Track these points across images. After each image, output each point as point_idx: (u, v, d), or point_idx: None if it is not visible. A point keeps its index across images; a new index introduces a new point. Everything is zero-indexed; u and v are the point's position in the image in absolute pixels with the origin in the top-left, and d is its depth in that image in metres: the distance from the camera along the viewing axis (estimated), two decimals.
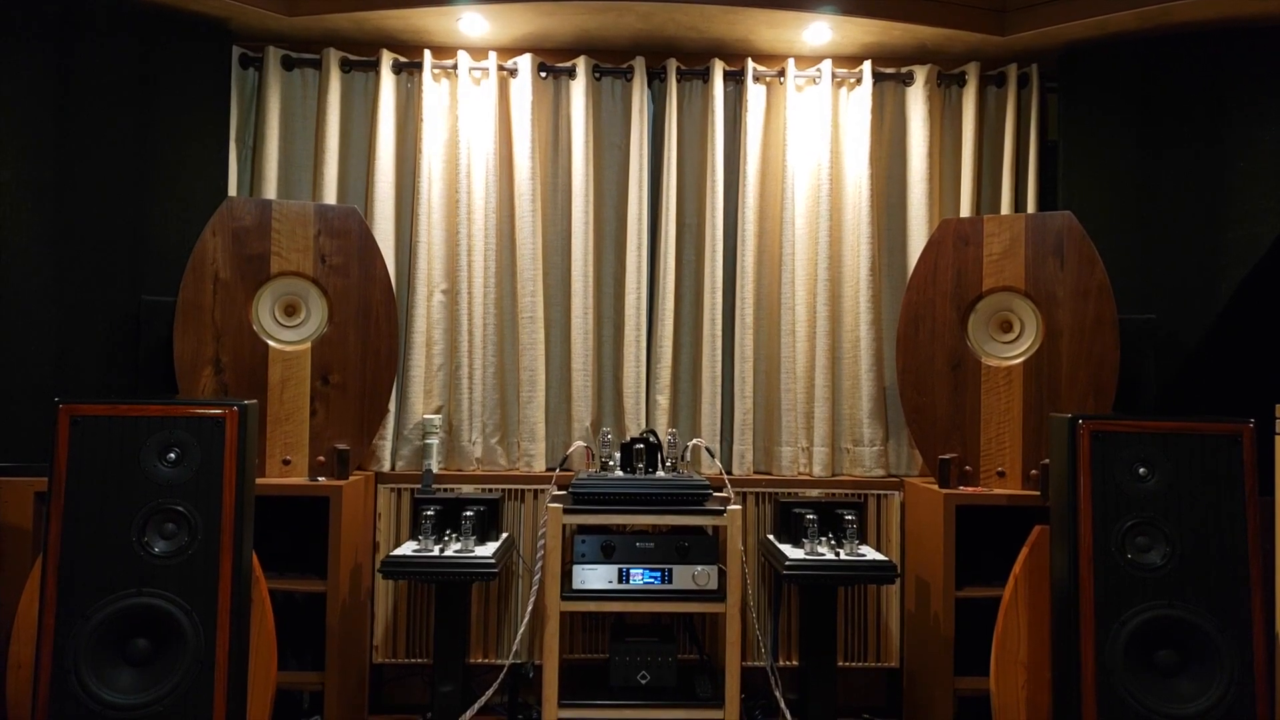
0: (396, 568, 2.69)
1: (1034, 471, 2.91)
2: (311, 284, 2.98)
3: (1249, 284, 2.99)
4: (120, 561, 1.89)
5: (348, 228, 2.99)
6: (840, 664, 3.09)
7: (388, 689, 3.25)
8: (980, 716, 2.77)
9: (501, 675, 2.83)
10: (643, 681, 2.78)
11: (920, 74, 3.33)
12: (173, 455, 1.96)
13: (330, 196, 3.22)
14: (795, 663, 3.17)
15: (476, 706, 2.71)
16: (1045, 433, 2.89)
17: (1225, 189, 3.04)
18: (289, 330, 2.98)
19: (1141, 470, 2.09)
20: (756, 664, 3.08)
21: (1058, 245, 2.95)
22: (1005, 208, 3.28)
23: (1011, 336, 3.02)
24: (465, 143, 3.27)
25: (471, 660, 3.13)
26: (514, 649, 3.03)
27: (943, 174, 3.37)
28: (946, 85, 3.38)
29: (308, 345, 2.97)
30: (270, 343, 2.95)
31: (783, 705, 2.79)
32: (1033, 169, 3.30)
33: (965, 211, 3.30)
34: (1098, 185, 3.17)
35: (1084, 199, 3.16)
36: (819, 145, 3.33)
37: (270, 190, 3.20)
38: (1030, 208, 3.29)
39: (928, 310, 3.04)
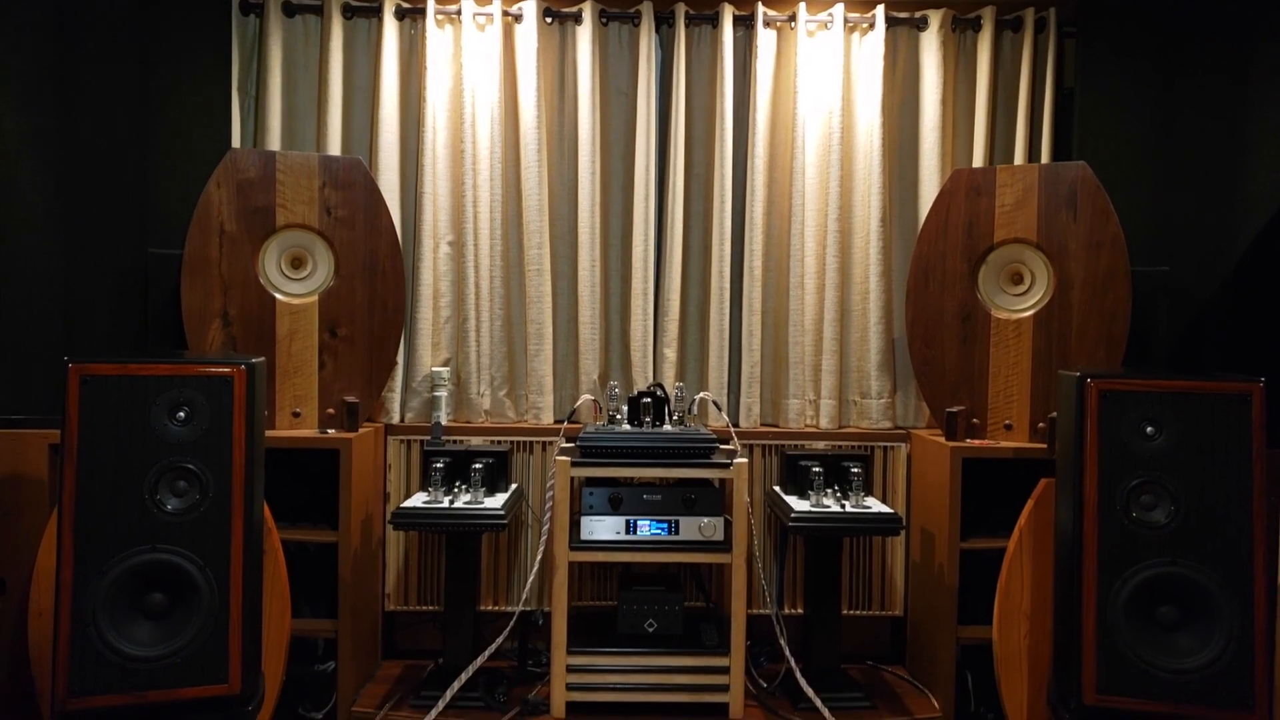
0: (407, 519, 2.73)
1: (1041, 424, 2.91)
2: (317, 236, 2.96)
3: (1267, 234, 2.94)
4: (134, 518, 1.92)
5: (352, 179, 2.97)
6: (845, 612, 3.13)
7: (400, 635, 3.32)
8: (982, 664, 2.81)
9: (512, 622, 2.88)
10: (650, 630, 2.83)
11: (934, 19, 3.26)
12: (182, 414, 1.98)
13: (334, 147, 3.19)
14: (800, 611, 3.22)
15: (488, 653, 2.76)
16: (1054, 386, 2.88)
17: (1247, 137, 2.97)
18: (296, 283, 2.98)
19: (1149, 429, 2.08)
20: (762, 612, 3.12)
21: (1071, 196, 2.91)
22: (1019, 157, 3.23)
23: (1022, 289, 3.00)
24: (470, 91, 3.22)
25: (482, 608, 3.18)
26: (524, 597, 3.08)
27: (956, 123, 3.31)
28: (961, 30, 3.30)
29: (315, 298, 2.97)
30: (277, 295, 2.94)
31: (787, 652, 2.83)
32: (1048, 117, 3.24)
33: (978, 161, 3.24)
34: (1114, 133, 3.11)
35: (1100, 148, 3.10)
36: (830, 93, 3.27)
37: (274, 141, 3.17)
38: (1044, 158, 3.23)
39: (938, 262, 3.02)
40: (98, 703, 1.87)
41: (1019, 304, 3.00)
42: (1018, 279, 3.01)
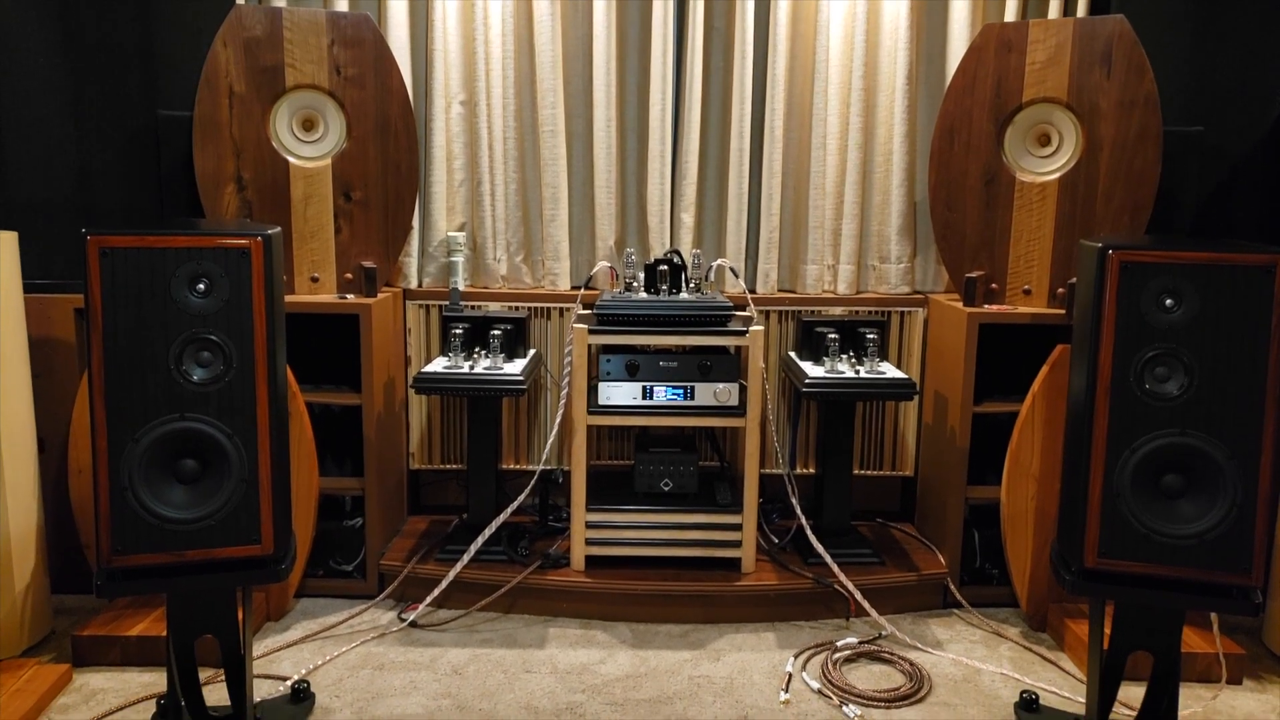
0: (428, 384, 2.78)
1: (1061, 289, 2.89)
2: (328, 97, 2.90)
3: None
4: (162, 388, 1.96)
5: (361, 37, 2.88)
6: (856, 472, 3.20)
7: (425, 491, 3.44)
8: (989, 522, 2.90)
9: (533, 481, 2.97)
10: (665, 489, 2.92)
11: None
12: (202, 286, 1.98)
13: (341, 3, 3.07)
14: (812, 470, 3.29)
15: (511, 509, 2.87)
16: (1076, 251, 2.84)
17: None
18: (308, 145, 2.94)
19: (1168, 302, 2.06)
20: (774, 471, 3.20)
21: (1106, 52, 2.78)
22: (1054, 11, 3.07)
23: (1049, 151, 2.92)
24: None
25: (504, 466, 3.27)
26: (544, 456, 3.17)
27: None
28: None
29: (328, 161, 2.93)
30: (290, 159, 2.91)
31: (798, 510, 2.92)
32: None
33: (1011, 15, 3.09)
34: None
35: (1140, 1, 2.95)
36: None
37: None
38: (1081, 11, 3.07)
39: (964, 122, 2.93)
40: (140, 560, 1.97)
41: (1045, 166, 2.92)
42: (1045, 140, 2.92)
